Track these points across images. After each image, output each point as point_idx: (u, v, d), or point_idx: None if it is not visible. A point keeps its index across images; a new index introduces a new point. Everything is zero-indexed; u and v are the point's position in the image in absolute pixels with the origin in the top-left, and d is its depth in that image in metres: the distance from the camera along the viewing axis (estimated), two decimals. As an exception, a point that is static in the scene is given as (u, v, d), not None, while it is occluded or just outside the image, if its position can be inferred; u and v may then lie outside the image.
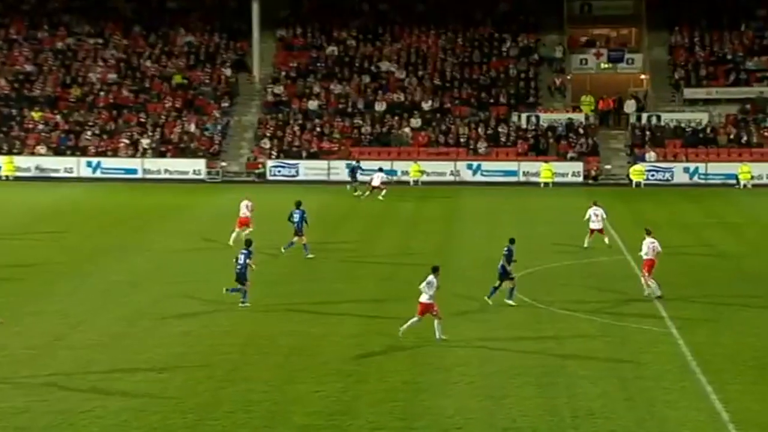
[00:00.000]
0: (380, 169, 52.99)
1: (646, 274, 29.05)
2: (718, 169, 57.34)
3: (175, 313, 26.90)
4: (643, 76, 66.02)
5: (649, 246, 29.23)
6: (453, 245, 38.01)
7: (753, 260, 33.47)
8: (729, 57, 64.53)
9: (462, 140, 61.14)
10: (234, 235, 36.48)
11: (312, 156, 60.73)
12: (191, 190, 55.58)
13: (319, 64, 66.88)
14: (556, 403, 20.42)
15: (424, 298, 24.47)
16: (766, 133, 59.86)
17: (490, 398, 20.63)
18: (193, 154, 61.34)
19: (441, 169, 58.90)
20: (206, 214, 46.26)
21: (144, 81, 66.58)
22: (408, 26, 68.74)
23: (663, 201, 49.34)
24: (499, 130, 61.44)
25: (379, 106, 63.83)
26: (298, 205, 35.49)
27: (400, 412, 19.88)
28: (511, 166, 58.82)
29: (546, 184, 56.34)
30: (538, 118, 62.10)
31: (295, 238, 35.02)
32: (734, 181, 55.73)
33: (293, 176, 59.48)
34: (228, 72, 66.86)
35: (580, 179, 58.01)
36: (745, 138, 59.41)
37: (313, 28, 69.40)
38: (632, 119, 62.05)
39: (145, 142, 62.08)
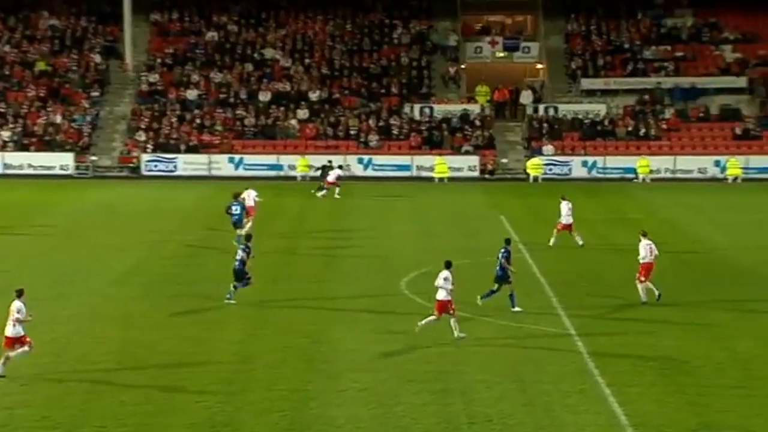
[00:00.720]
0: (339, 167, 52.28)
1: (643, 278, 28.92)
2: (616, 162, 58.66)
3: (43, 318, 26.37)
4: (539, 66, 67.14)
5: (645, 248, 29.22)
6: (341, 244, 38.10)
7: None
8: (626, 46, 66.06)
9: (352, 133, 61.33)
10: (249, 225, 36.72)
11: (191, 150, 60.19)
12: (58, 186, 54.56)
13: (197, 51, 66.33)
14: (452, 410, 20.66)
15: (441, 296, 24.94)
16: (664, 126, 61.45)
17: (382, 405, 20.78)
18: (60, 148, 60.20)
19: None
20: (75, 211, 45.50)
21: (3, 68, 65.09)
22: (294, 11, 68.71)
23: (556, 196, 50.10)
24: (391, 122, 61.82)
25: (263, 96, 63.60)
26: (236, 196, 36.48)
27: (287, 423, 19.89)
28: (404, 160, 59.23)
29: (441, 179, 56.86)
30: (431, 109, 62.66)
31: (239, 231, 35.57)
32: (633, 175, 57.05)
33: (171, 171, 58.87)
34: (97, 59, 65.82)
35: (476, 174, 58.73)
36: (643, 130, 60.90)
37: (191, 12, 68.81)
38: (529, 111, 63.05)
39: (5, 134, 60.68)
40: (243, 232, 34.84)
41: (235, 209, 35.87)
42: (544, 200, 46.64)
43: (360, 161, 59.16)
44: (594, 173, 58.42)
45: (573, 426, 19.89)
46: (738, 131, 60.38)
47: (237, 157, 58.93)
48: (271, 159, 58.67)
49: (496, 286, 28.27)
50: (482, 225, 42.27)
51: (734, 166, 56.25)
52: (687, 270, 32.17)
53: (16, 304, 22.11)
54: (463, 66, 66.18)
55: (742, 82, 63.18)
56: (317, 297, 29.56)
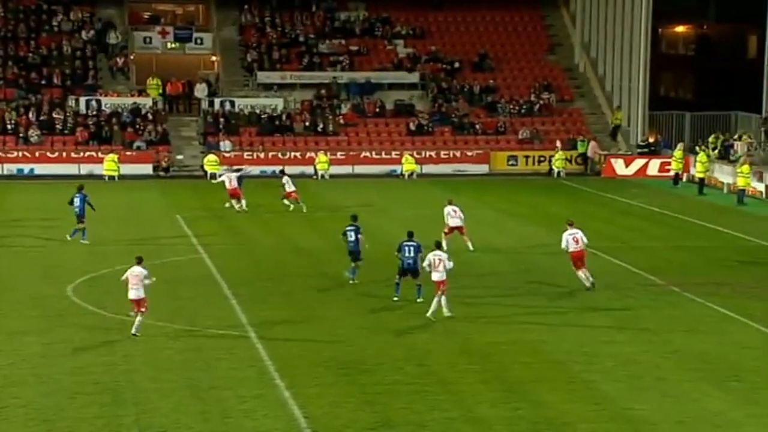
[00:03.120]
0: (282, 172, 47.74)
1: (575, 267, 29.62)
2: (295, 158, 59.35)
3: None
4: (213, 58, 66.96)
5: (567, 238, 29.53)
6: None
7: (332, 255, 34.95)
8: (301, 39, 67.01)
9: (9, 128, 58.80)
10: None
11: None
12: None
13: None
14: (122, 422, 20.25)
15: (436, 277, 27.46)
16: (341, 121, 62.84)
17: (45, 422, 20.09)
18: None
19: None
20: None
21: None
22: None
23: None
24: (54, 115, 59.78)
25: None
26: (80, 189, 37.40)
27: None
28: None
29: (111, 177, 55.56)
30: (99, 102, 61.13)
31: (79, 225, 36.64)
32: (312, 171, 57.93)
33: None
34: None
35: (150, 171, 57.81)
36: (321, 125, 62.01)
37: None
38: (204, 105, 62.74)
39: None
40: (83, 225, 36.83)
41: (77, 201, 37.16)
42: (224, 198, 46.48)
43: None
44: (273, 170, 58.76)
45: (251, 432, 19.96)
46: (412, 126, 62.64)
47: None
48: None
49: (353, 263, 30.81)
50: (157, 226, 41.68)
51: (409, 161, 58.27)
52: (362, 268, 32.94)
53: (138, 269, 26.04)
54: (131, 57, 64.97)
55: (414, 77, 65.57)
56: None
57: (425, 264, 28.09)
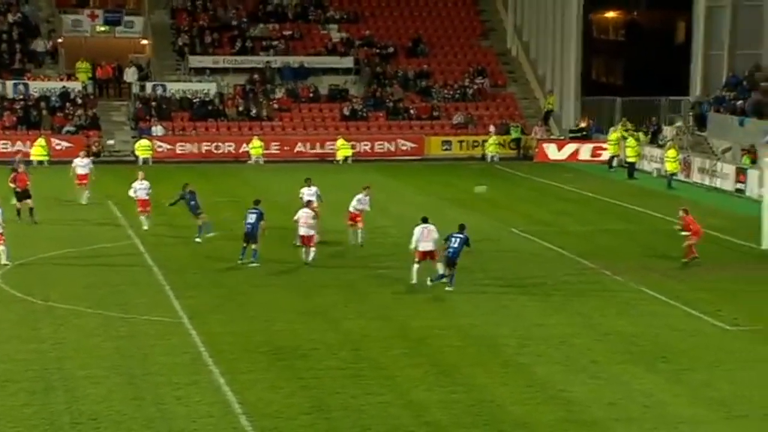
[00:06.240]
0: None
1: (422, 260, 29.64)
2: (228, 143, 59.06)
3: None
4: (144, 42, 66.31)
5: (418, 232, 29.59)
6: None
7: (265, 241, 34.78)
8: (233, 23, 66.58)
9: (-65, 113, 57.84)
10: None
11: None
12: None
13: None
14: (53, 410, 20.06)
15: (427, 247, 29.10)
16: (275, 106, 62.60)
17: (-26, 411, 19.84)
18: None
19: None
20: None
21: None
22: None
23: (171, 179, 49.81)
24: (-20, 100, 58.88)
25: None
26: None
27: None
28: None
29: (40, 162, 54.83)
30: (26, 86, 60.25)
31: None
32: (246, 157, 57.65)
33: None
34: None
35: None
36: (254, 111, 61.72)
37: None
38: (135, 89, 62.12)
39: None
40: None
41: None
42: (156, 185, 46.06)
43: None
44: (207, 154, 58.42)
45: (185, 419, 19.87)
46: (346, 111, 62.56)
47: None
48: None
49: (245, 245, 31.64)
50: (88, 211, 41.23)
51: (344, 147, 58.20)
52: (296, 253, 32.91)
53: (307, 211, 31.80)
54: (60, 40, 64.09)
55: (348, 62, 65.46)
56: None
57: (414, 238, 29.34)
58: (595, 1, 68.89)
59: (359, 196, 35.42)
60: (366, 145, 59.84)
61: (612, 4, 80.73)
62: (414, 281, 29.41)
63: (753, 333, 25.75)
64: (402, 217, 36.80)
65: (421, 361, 23.39)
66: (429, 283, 29.24)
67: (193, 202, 36.10)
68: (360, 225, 35.06)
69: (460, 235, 29.27)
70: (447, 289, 29.14)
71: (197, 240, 35.46)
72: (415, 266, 29.47)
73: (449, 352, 24.07)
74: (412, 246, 29.53)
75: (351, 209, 35.25)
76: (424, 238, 29.41)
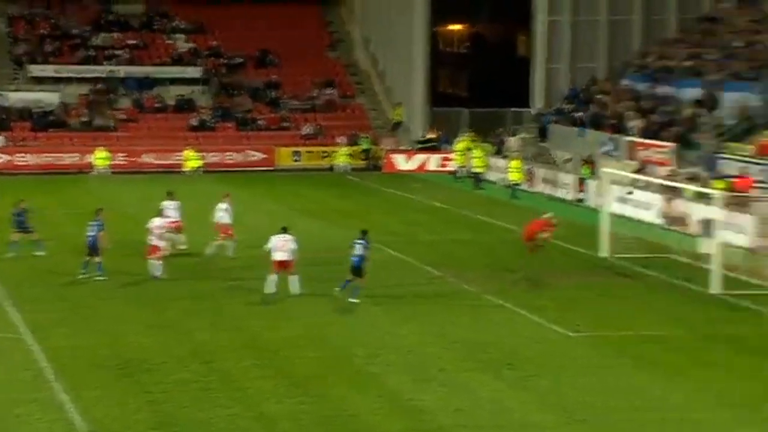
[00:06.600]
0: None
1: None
2: (72, 154, 57.84)
3: None
4: (-18, 50, 64.53)
5: (275, 241, 29.41)
6: None
7: (108, 253, 34.10)
8: (75, 32, 65.25)
9: None
10: None
11: None
12: None
13: None
14: None
15: (281, 256, 28.82)
16: (121, 116, 61.54)
17: None
18: None
19: None
20: None
21: None
22: None
23: (9, 191, 48.46)
24: None
25: None
26: None
27: None
28: None
29: None
30: None
31: None
32: (89, 168, 56.53)
33: None
34: None
35: None
36: (98, 121, 60.55)
37: None
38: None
39: None
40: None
41: None
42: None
43: None
44: (48, 165, 57.11)
45: (26, 437, 19.32)
46: (194, 122, 61.91)
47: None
48: None
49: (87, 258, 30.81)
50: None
51: (192, 158, 57.53)
52: (139, 265, 32.37)
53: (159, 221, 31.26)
54: None
55: (195, 72, 64.84)
56: None
57: (269, 245, 29.14)
58: (440, 13, 69.72)
59: (223, 205, 35.02)
60: (215, 156, 59.35)
61: (456, 17, 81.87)
62: (268, 291, 29.21)
63: (594, 339, 26.36)
64: (255, 228, 36.48)
65: (272, 372, 23.24)
66: (336, 291, 29.11)
67: (21, 219, 34.77)
68: (234, 236, 34.59)
69: (362, 242, 29.14)
70: (350, 300, 28.90)
71: (39, 253, 34.56)
72: (270, 276, 29.28)
73: (301, 363, 23.98)
74: (267, 250, 29.35)
75: (220, 221, 34.78)
76: (279, 247, 29.23)
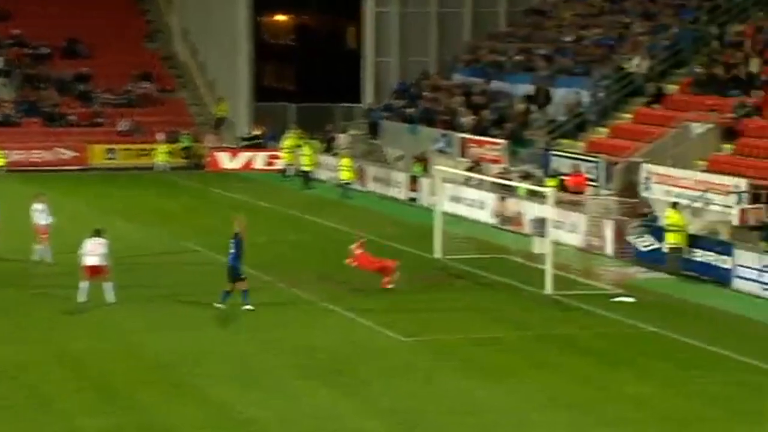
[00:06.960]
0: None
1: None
2: None
3: None
4: None
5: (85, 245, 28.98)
6: None
7: None
8: None
9: None
10: None
11: None
12: None
13: None
14: None
15: (92, 261, 28.31)
16: None
17: None
18: None
19: None
20: None
21: None
22: None
23: None
24: None
25: None
26: None
27: None
28: None
29: None
30: None
31: None
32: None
33: None
34: None
35: None
36: None
37: None
38: None
39: None
40: None
41: None
42: None
43: None
44: None
45: None
46: (-2, 118, 60.38)
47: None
48: None
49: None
50: None
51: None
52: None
53: None
54: None
55: (-3, 63, 63.25)
56: None
57: (80, 250, 28.77)
58: (264, 3, 69.59)
59: (39, 206, 34.23)
60: (20, 153, 57.93)
61: (282, 7, 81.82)
62: (81, 300, 28.66)
63: (427, 343, 26.72)
64: (65, 232, 35.73)
65: (83, 385, 22.83)
66: (218, 305, 28.63)
67: None
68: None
69: (234, 240, 28.94)
70: (244, 308, 28.60)
71: None
72: (82, 284, 28.73)
73: (115, 374, 23.63)
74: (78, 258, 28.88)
75: (39, 222, 33.96)
76: (90, 251, 28.74)
